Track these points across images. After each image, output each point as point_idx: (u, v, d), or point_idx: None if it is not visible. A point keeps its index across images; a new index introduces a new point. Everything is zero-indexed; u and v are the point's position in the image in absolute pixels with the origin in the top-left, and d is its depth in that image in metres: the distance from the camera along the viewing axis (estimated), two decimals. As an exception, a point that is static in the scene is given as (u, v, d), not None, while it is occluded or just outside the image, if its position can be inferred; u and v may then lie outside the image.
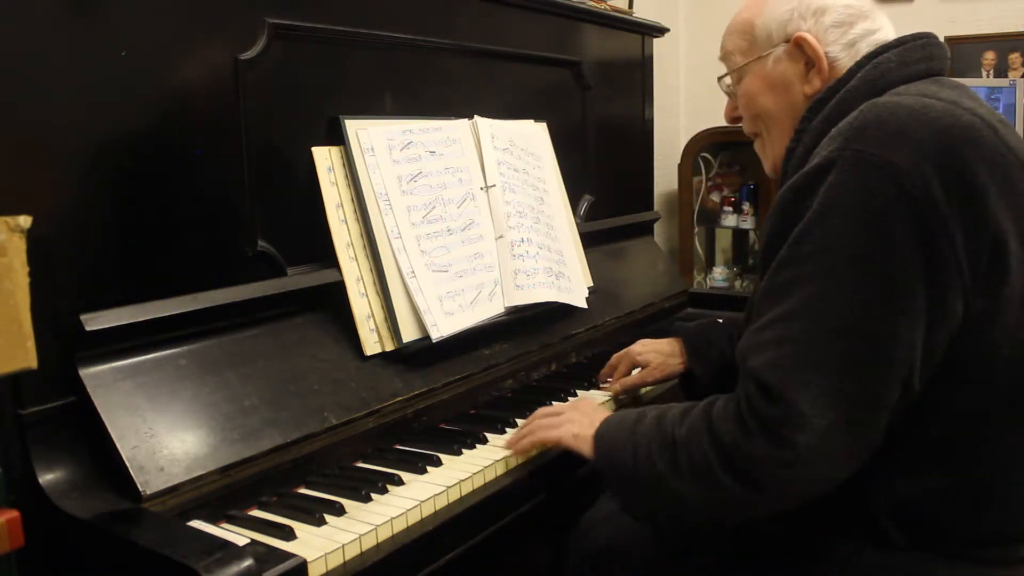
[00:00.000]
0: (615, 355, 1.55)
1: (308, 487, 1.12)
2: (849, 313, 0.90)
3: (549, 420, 1.23)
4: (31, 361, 0.72)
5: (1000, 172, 0.93)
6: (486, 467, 1.16)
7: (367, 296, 1.32)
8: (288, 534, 0.96)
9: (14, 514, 0.78)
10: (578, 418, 1.19)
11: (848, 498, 0.99)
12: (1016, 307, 0.93)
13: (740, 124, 1.26)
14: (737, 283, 3.25)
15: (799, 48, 1.12)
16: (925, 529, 0.98)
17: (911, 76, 1.06)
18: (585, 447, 1.14)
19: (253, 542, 0.93)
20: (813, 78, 1.12)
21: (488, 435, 1.27)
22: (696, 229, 3.21)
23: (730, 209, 3.17)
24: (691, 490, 0.99)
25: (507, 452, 1.21)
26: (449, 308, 1.39)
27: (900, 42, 1.09)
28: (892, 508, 0.97)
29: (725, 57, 1.24)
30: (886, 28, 1.14)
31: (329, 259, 1.30)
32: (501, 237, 1.52)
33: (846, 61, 1.11)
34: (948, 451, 0.96)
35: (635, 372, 1.51)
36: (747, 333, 0.98)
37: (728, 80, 1.24)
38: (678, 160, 3.17)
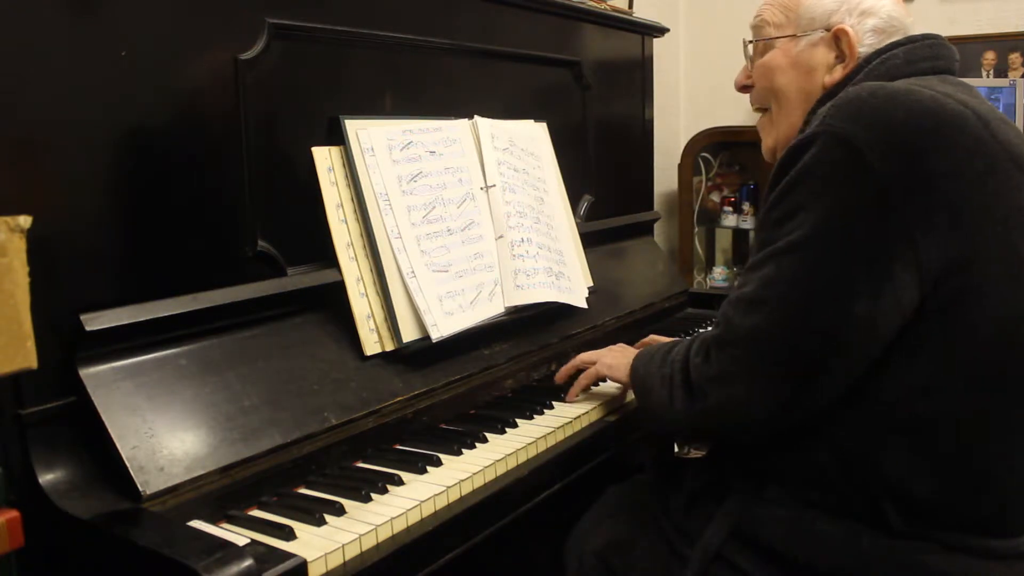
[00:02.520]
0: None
1: (308, 487, 1.12)
2: (785, 268, 1.00)
3: (588, 354, 1.44)
4: (31, 361, 0.72)
5: (980, 160, 0.96)
6: (486, 467, 1.16)
7: (367, 296, 1.31)
8: (288, 534, 0.96)
9: (14, 514, 0.78)
10: (609, 355, 1.40)
11: (845, 479, 1.02)
12: (993, 289, 0.96)
13: (747, 93, 1.30)
14: (737, 283, 3.25)
15: (836, 40, 1.16)
16: (923, 513, 0.99)
17: (916, 73, 1.09)
18: (619, 372, 1.34)
19: (253, 542, 0.93)
20: (837, 70, 1.17)
21: (488, 435, 1.27)
22: (696, 229, 3.21)
23: (730, 209, 3.17)
24: (663, 393, 1.14)
25: (507, 451, 1.21)
26: (449, 308, 1.38)
27: (909, 40, 1.13)
28: (891, 489, 0.99)
29: (758, 25, 1.27)
30: None
31: (329, 259, 1.30)
32: (501, 237, 1.52)
33: None
34: (943, 433, 0.98)
35: None
36: None
37: (752, 48, 1.28)
38: (678, 160, 3.17)
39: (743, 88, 1.31)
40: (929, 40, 1.13)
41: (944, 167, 0.95)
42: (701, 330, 1.85)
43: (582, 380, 1.41)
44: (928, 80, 1.07)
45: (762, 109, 1.28)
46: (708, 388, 1.07)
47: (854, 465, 1.01)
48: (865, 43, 1.16)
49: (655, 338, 1.57)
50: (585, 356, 1.46)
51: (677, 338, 1.32)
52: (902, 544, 1.00)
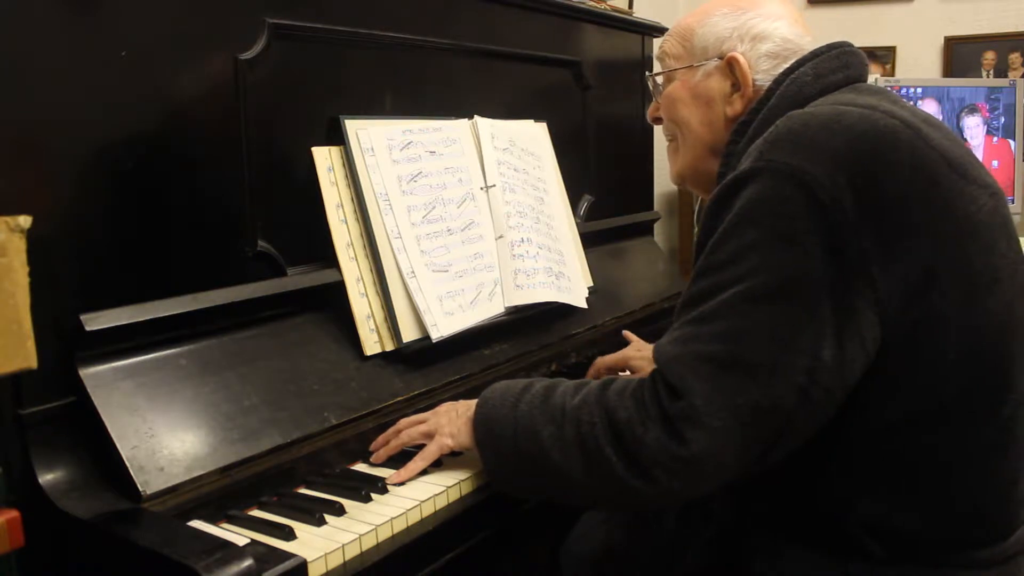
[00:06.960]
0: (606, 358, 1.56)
1: (308, 487, 1.12)
2: (755, 321, 0.90)
3: (417, 429, 1.16)
4: (31, 361, 0.72)
5: (922, 174, 0.93)
6: (486, 467, 1.16)
7: (367, 296, 1.32)
8: (288, 534, 0.96)
9: (14, 514, 0.78)
10: (446, 420, 1.15)
11: (823, 518, 0.98)
12: (954, 310, 0.92)
13: (659, 125, 1.28)
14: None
15: (730, 67, 1.13)
16: (906, 542, 0.96)
17: (829, 87, 1.06)
18: (464, 438, 1.11)
19: (253, 542, 0.93)
20: (736, 100, 1.14)
21: (488, 435, 1.27)
22: (696, 229, 3.21)
23: (730, 209, 3.17)
24: (574, 465, 0.97)
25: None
26: (449, 308, 1.39)
27: (815, 54, 1.09)
28: (869, 525, 0.96)
29: (660, 57, 1.25)
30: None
31: (329, 259, 1.30)
32: (501, 237, 1.52)
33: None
34: (912, 464, 0.95)
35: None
36: (665, 333, 1.00)
37: (659, 80, 1.25)
38: (678, 160, 3.17)
39: (655, 121, 1.28)
40: (835, 50, 1.09)
41: (890, 190, 0.90)
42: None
43: (418, 463, 1.13)
44: (845, 95, 1.03)
45: (672, 138, 1.25)
46: (675, 467, 0.91)
47: (829, 506, 0.97)
48: (760, 69, 1.12)
49: None
50: (415, 430, 1.17)
51: (524, 380, 1.11)
52: (891, 569, 0.96)
